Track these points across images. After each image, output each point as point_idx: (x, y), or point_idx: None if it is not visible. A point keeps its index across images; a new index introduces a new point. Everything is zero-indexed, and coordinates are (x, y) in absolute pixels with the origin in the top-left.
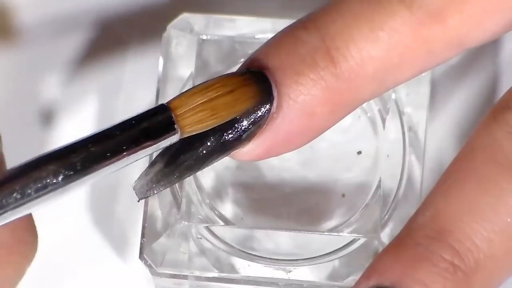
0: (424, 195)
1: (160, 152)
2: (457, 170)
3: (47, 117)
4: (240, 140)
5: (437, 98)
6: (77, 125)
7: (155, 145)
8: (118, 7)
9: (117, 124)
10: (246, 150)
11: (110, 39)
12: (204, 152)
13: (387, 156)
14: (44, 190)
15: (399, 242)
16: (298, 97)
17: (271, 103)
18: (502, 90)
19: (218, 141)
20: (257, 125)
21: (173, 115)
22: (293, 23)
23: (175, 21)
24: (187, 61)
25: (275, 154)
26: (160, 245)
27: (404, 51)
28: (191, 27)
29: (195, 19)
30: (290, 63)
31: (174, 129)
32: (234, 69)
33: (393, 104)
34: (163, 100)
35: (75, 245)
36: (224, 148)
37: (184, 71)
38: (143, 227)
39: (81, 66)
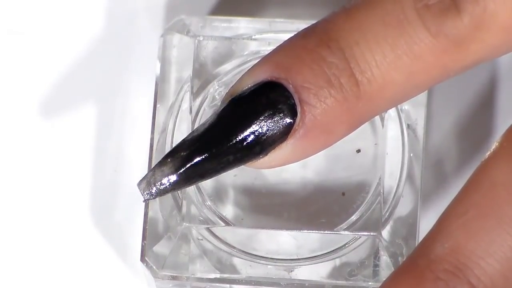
0: (423, 192)
1: (169, 153)
2: (478, 205)
3: (47, 118)
4: (259, 157)
5: (436, 95)
6: (77, 125)
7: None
8: (116, 10)
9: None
10: (261, 161)
11: (108, 42)
12: (224, 162)
13: (387, 153)
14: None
15: (418, 271)
16: (322, 116)
17: (294, 118)
18: (501, 87)
19: (239, 152)
20: (279, 140)
21: None
22: (309, 34)
23: (172, 23)
24: (184, 62)
25: (287, 164)
26: (161, 247)
27: (424, 76)
28: (188, 29)
29: (191, 21)
30: (315, 82)
31: None
32: (232, 69)
33: None
34: (162, 103)
35: (76, 247)
36: (243, 159)
37: (182, 73)
38: (144, 230)
39: (80, 68)
